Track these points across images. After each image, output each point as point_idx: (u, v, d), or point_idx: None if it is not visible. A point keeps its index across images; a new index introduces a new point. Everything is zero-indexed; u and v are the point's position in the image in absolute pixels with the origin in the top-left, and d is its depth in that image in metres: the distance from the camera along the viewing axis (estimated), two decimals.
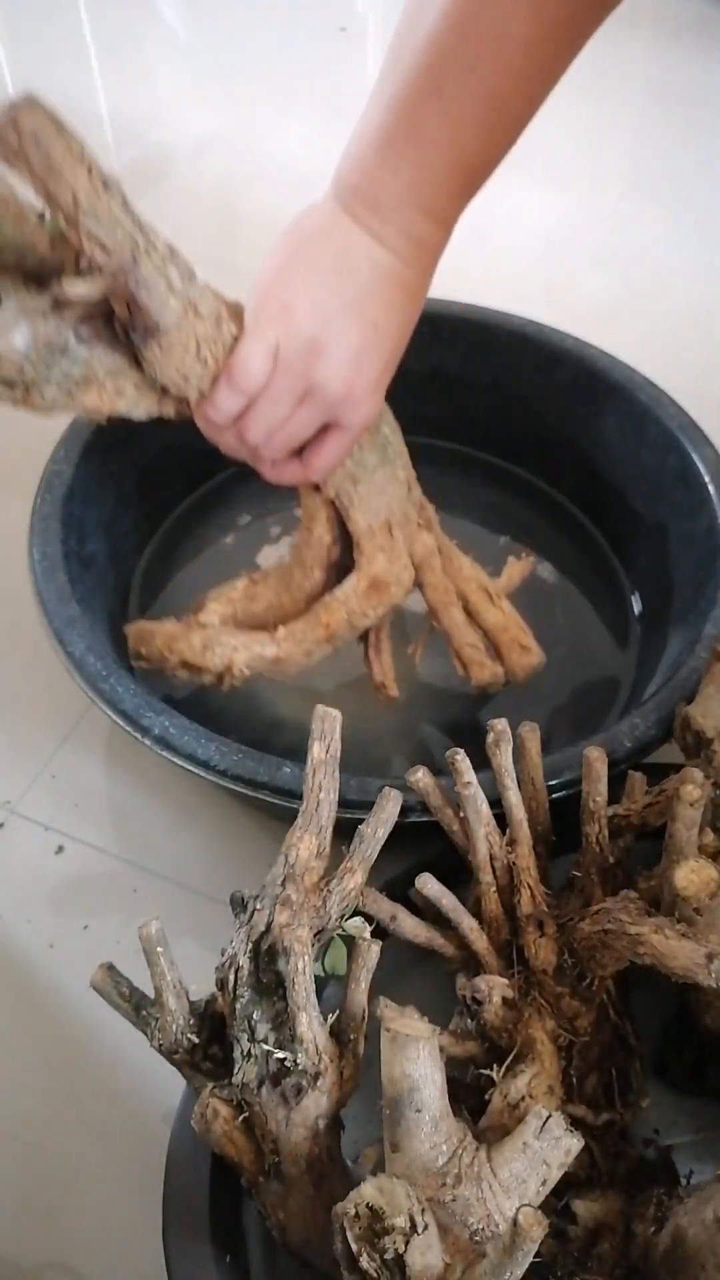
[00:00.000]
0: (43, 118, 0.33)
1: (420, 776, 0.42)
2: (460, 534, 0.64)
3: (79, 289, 0.36)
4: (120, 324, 0.39)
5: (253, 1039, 0.33)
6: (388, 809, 0.38)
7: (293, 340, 0.41)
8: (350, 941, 0.36)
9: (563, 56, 0.39)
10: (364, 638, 0.52)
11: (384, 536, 0.48)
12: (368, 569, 0.48)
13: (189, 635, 0.48)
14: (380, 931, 0.38)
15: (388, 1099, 0.30)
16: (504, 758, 0.41)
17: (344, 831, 0.38)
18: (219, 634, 0.48)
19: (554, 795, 0.43)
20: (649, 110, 1.12)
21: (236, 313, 0.42)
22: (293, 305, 0.41)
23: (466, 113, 0.39)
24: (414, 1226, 0.27)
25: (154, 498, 0.64)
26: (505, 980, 0.38)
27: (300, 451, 0.46)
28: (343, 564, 0.50)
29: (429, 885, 0.39)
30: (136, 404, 0.41)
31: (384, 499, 0.48)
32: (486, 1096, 0.35)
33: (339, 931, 0.37)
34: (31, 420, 0.61)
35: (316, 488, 0.48)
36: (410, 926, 0.40)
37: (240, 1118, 0.33)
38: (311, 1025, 0.32)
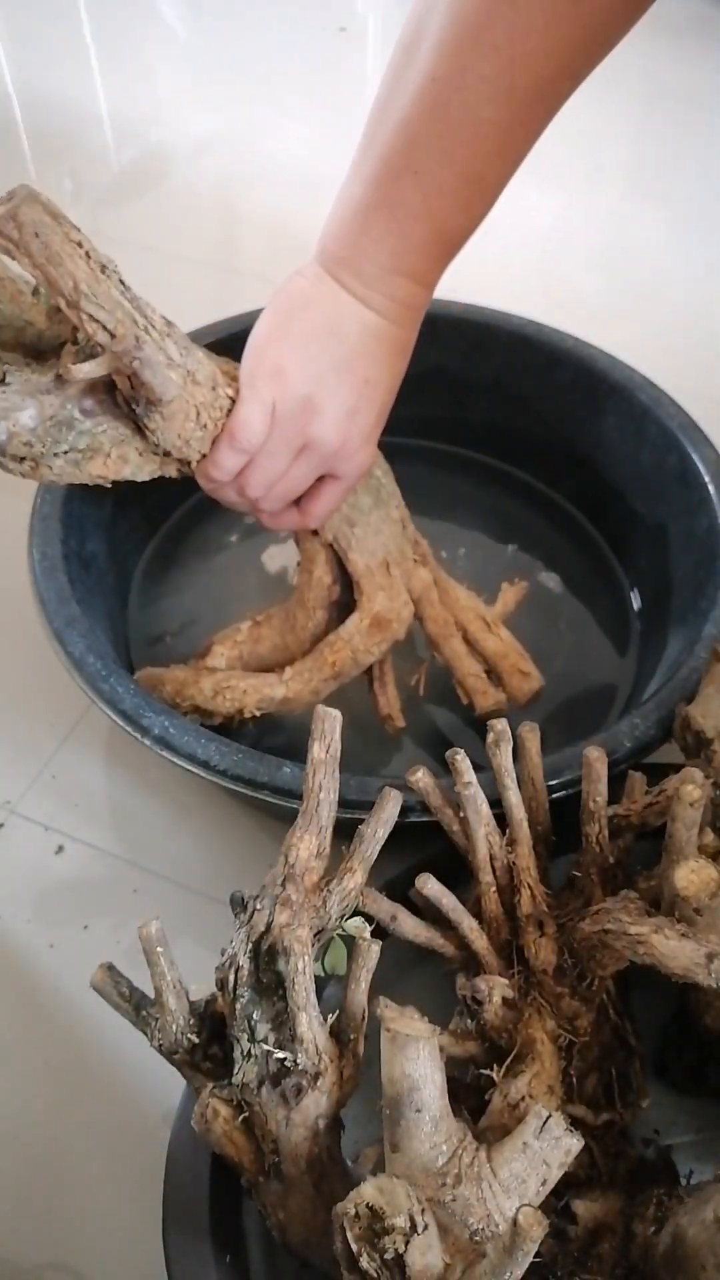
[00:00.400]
0: (40, 210, 0.34)
1: (420, 776, 0.42)
2: (465, 542, 0.65)
3: (85, 370, 0.38)
4: (123, 395, 0.40)
5: (253, 1039, 0.33)
6: (388, 809, 0.38)
7: (288, 400, 0.42)
8: (350, 941, 0.36)
9: (535, 129, 0.40)
10: (368, 672, 0.53)
11: (383, 575, 0.50)
12: (369, 607, 0.50)
13: (199, 681, 0.49)
14: (380, 931, 0.39)
15: (388, 1099, 0.30)
16: (504, 758, 0.41)
17: (344, 831, 0.38)
18: (228, 678, 0.49)
19: (554, 795, 0.43)
20: (648, 110, 1.12)
21: (231, 375, 0.43)
22: (285, 368, 0.42)
23: (444, 189, 0.40)
24: (414, 1226, 0.27)
25: (154, 497, 0.64)
26: (505, 980, 0.38)
27: (299, 501, 0.47)
28: (343, 602, 0.52)
29: (429, 885, 0.39)
30: (140, 469, 0.43)
31: (380, 539, 0.50)
32: (486, 1096, 0.35)
33: (339, 931, 0.37)
34: None
35: (315, 533, 0.50)
36: (410, 926, 0.40)
37: (240, 1118, 0.33)
38: (311, 1025, 0.32)
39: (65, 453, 0.40)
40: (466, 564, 0.64)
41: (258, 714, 0.49)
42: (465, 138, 0.39)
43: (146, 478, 0.44)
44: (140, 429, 0.41)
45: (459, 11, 0.37)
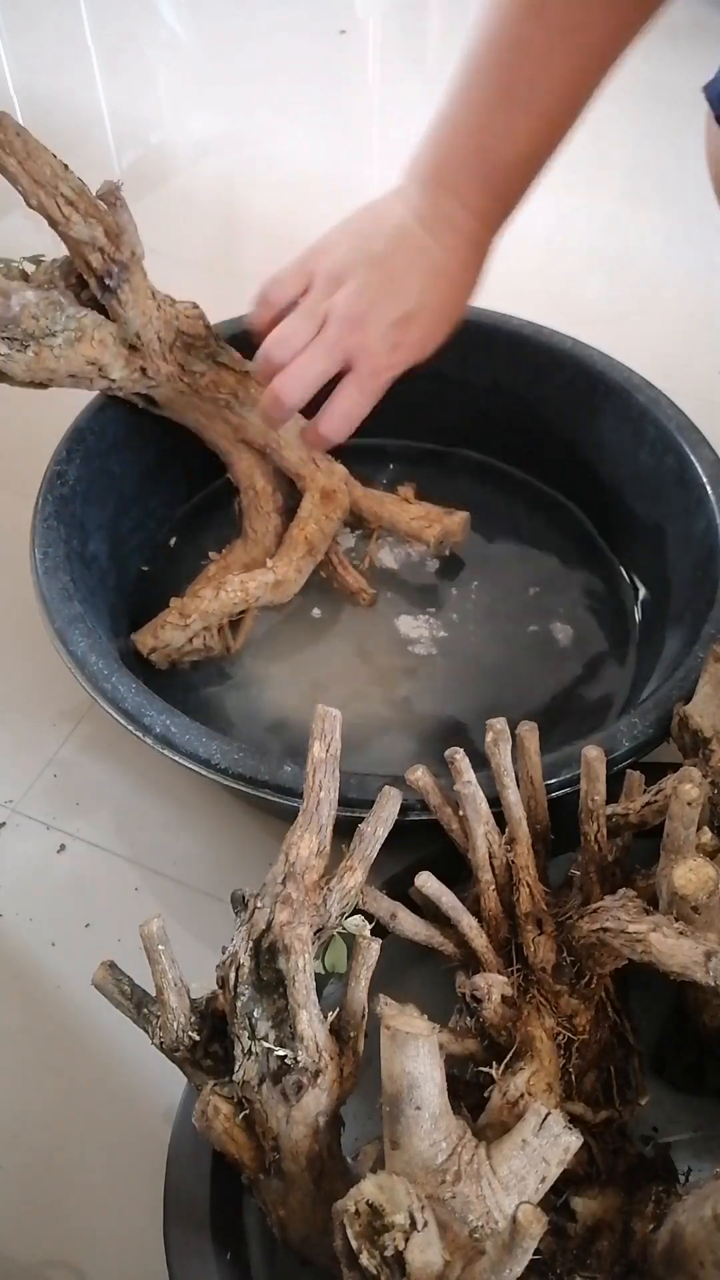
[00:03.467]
0: (11, 120, 0.44)
1: (420, 775, 0.42)
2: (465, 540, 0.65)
3: (80, 231, 0.46)
4: (95, 279, 0.48)
5: (253, 1036, 0.33)
6: (387, 808, 0.39)
7: (322, 273, 0.49)
8: (350, 939, 0.36)
9: (592, 85, 0.47)
10: (327, 562, 0.60)
11: (315, 463, 0.58)
12: (315, 485, 0.58)
13: (197, 594, 0.55)
14: (380, 929, 0.39)
15: (387, 1096, 0.30)
16: (503, 757, 0.41)
17: (344, 830, 0.38)
18: (222, 579, 0.55)
19: (552, 794, 0.43)
20: (647, 112, 1.12)
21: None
22: (329, 249, 0.49)
23: (497, 114, 0.46)
24: (414, 1224, 0.27)
25: (156, 499, 0.64)
26: (504, 978, 0.38)
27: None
28: (288, 506, 0.59)
29: (428, 883, 0.40)
30: (115, 359, 0.50)
31: (299, 439, 0.57)
32: (486, 1094, 0.35)
33: (339, 929, 0.37)
34: (34, 421, 0.61)
35: (246, 444, 0.57)
36: (410, 924, 0.40)
37: (241, 1115, 0.33)
38: (312, 1023, 0.32)
39: (61, 332, 0.48)
40: (466, 563, 0.64)
41: (260, 598, 0.55)
42: (531, 76, 0.45)
43: (120, 373, 0.51)
44: (110, 317, 0.49)
45: None
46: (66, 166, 0.46)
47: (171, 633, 0.54)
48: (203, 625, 0.54)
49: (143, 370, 0.51)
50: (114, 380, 0.51)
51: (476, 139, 0.47)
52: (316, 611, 0.61)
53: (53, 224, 0.46)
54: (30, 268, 0.49)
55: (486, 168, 0.48)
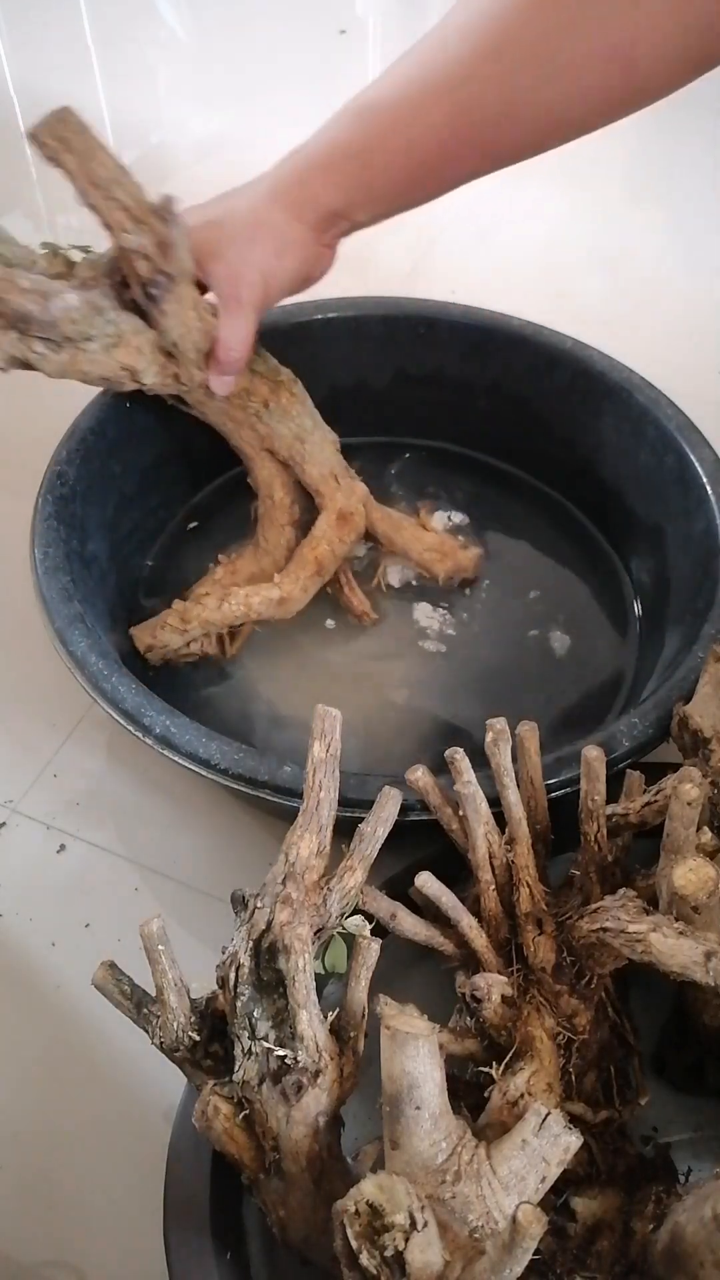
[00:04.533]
0: (75, 117, 0.44)
1: (419, 776, 0.42)
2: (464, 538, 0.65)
3: (131, 240, 0.45)
4: (138, 285, 0.47)
5: (253, 1036, 0.33)
6: (388, 808, 0.39)
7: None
8: (350, 939, 0.36)
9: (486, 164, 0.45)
10: (335, 581, 0.59)
11: (335, 481, 0.57)
12: (333, 506, 0.57)
13: (200, 600, 0.55)
14: (380, 929, 0.39)
15: (387, 1096, 0.30)
16: (503, 757, 0.41)
17: (343, 830, 0.38)
18: (227, 590, 0.55)
19: (552, 794, 0.43)
20: (647, 112, 1.12)
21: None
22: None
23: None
24: (413, 1224, 0.27)
25: (156, 498, 0.64)
26: (504, 978, 0.38)
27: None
28: (304, 520, 0.58)
29: (428, 883, 0.40)
30: (149, 365, 0.49)
31: (324, 454, 0.57)
32: (486, 1094, 0.35)
33: (339, 929, 0.37)
34: (34, 420, 0.61)
35: (271, 453, 0.56)
36: (410, 924, 0.40)
37: (241, 1115, 0.33)
38: (312, 1023, 0.32)
39: (99, 337, 0.47)
40: None
41: (262, 613, 0.55)
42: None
43: (154, 378, 0.50)
44: (149, 324, 0.48)
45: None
46: (126, 170, 0.45)
47: (170, 635, 0.54)
48: (201, 633, 0.54)
49: (176, 376, 0.51)
50: (146, 385, 0.51)
51: (359, 156, 0.46)
52: (330, 623, 0.61)
53: (105, 227, 0.46)
54: (77, 256, 0.48)
55: (362, 183, 0.47)
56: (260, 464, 0.57)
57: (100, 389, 0.57)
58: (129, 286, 0.48)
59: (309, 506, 0.58)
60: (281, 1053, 0.32)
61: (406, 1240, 0.27)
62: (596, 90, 0.41)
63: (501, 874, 0.41)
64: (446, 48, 0.43)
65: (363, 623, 0.60)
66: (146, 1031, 0.35)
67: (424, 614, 0.61)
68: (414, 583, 0.62)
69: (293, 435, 0.55)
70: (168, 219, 0.46)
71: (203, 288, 0.51)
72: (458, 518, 0.66)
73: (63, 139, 0.43)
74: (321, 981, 0.36)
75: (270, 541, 0.58)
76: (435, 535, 0.61)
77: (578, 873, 0.41)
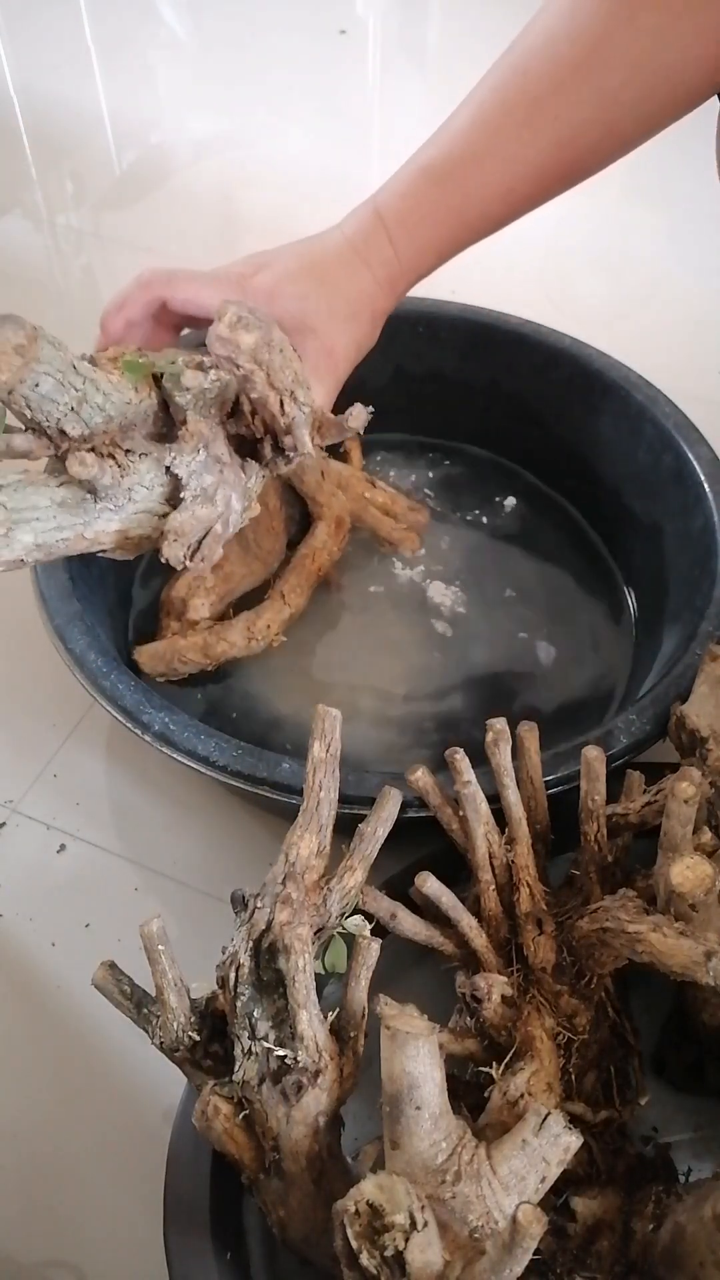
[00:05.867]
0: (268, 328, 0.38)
1: (419, 776, 0.42)
2: (460, 536, 0.65)
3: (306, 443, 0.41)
4: (266, 440, 0.41)
5: (253, 1036, 0.33)
6: (387, 808, 0.39)
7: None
8: (350, 939, 0.36)
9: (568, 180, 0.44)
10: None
11: (326, 484, 0.58)
12: (330, 514, 0.58)
13: (224, 639, 0.54)
14: (380, 929, 0.39)
15: (387, 1096, 0.30)
16: (502, 757, 0.41)
17: (342, 828, 0.38)
18: (253, 625, 0.54)
19: (551, 791, 0.43)
20: None
21: None
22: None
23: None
24: (414, 1224, 0.27)
25: None
26: (504, 978, 0.38)
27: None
28: (292, 523, 0.59)
29: (428, 883, 0.40)
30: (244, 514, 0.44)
31: (315, 462, 0.57)
32: (486, 1094, 0.35)
33: (339, 929, 0.37)
34: None
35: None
36: (410, 924, 0.40)
37: (241, 1115, 0.33)
38: (312, 1023, 0.32)
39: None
40: (463, 560, 0.64)
41: (282, 638, 0.55)
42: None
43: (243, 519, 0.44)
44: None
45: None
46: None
47: (188, 668, 0.53)
48: (221, 662, 0.54)
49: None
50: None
51: (458, 213, 0.43)
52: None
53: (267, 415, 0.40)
54: (191, 383, 0.38)
55: (457, 240, 0.44)
56: None
57: None
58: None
59: (300, 511, 0.59)
60: (281, 1053, 0.32)
61: (406, 1240, 0.27)
62: (697, 92, 0.39)
63: (501, 874, 0.41)
64: (527, 74, 0.40)
65: (406, 546, 0.62)
66: (146, 1031, 0.35)
67: (438, 592, 0.62)
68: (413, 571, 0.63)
69: None
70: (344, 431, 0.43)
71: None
72: (456, 517, 0.66)
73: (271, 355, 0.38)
74: (321, 981, 0.36)
75: (263, 547, 0.58)
76: (383, 493, 0.61)
77: (578, 873, 0.41)
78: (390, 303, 0.46)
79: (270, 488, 0.57)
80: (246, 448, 0.42)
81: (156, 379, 0.38)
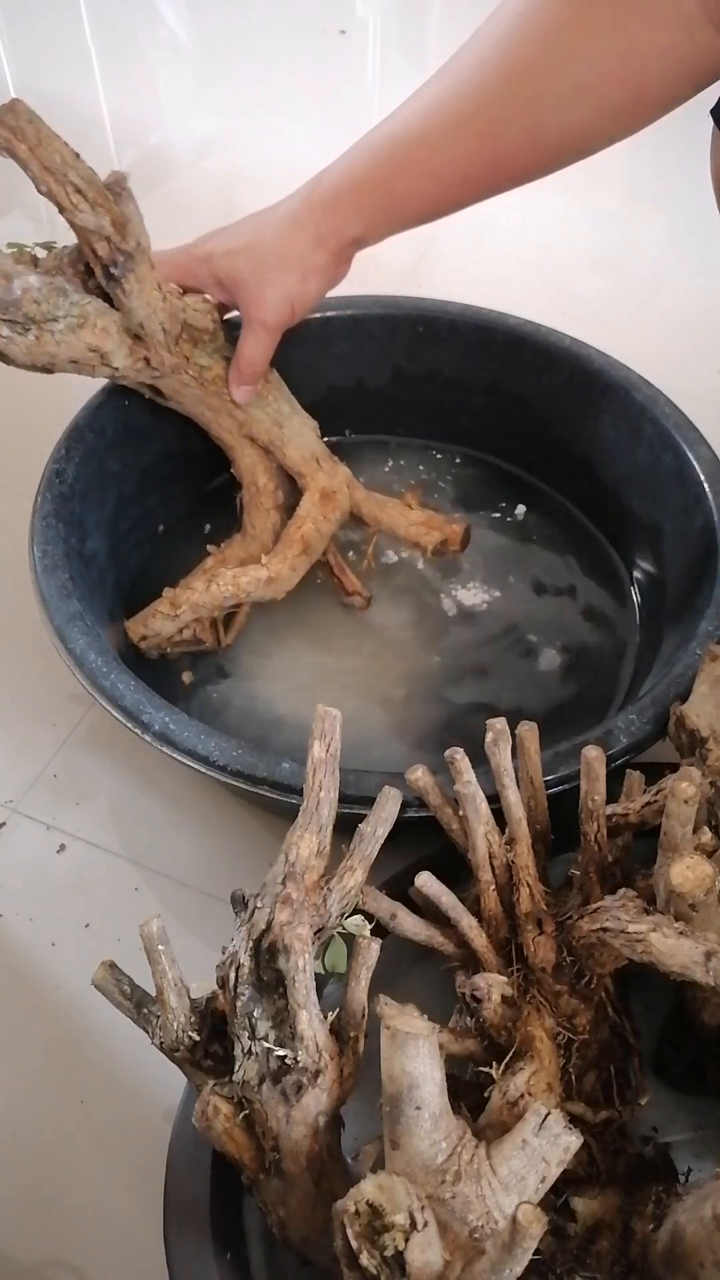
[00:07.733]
0: (26, 108, 0.45)
1: (419, 776, 0.42)
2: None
3: (87, 219, 0.46)
4: (100, 268, 0.48)
5: (253, 1036, 0.33)
6: (388, 808, 0.39)
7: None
8: (350, 939, 0.36)
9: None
10: (326, 565, 0.61)
11: (316, 463, 0.58)
12: (315, 485, 0.58)
13: (189, 585, 0.55)
14: (380, 929, 0.39)
15: (387, 1096, 0.30)
16: (503, 757, 0.41)
17: (342, 828, 0.38)
18: (215, 573, 0.55)
19: (551, 791, 0.43)
20: None
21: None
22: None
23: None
24: (414, 1224, 0.27)
25: (155, 497, 0.64)
26: (504, 978, 0.38)
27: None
28: (288, 504, 0.59)
29: (428, 883, 0.40)
30: (118, 348, 0.50)
31: (303, 438, 0.58)
32: (486, 1094, 0.35)
33: (339, 929, 0.37)
34: (33, 419, 0.61)
35: (251, 440, 0.57)
36: (410, 924, 0.40)
37: (241, 1115, 0.33)
38: (312, 1023, 0.32)
39: (63, 318, 0.48)
40: (464, 561, 0.64)
41: (252, 594, 0.55)
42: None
43: (122, 361, 0.50)
44: (115, 306, 0.49)
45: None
46: (78, 155, 0.46)
47: (161, 622, 0.54)
48: (193, 617, 0.55)
49: (146, 360, 0.51)
50: (117, 369, 0.51)
51: (384, 185, 0.48)
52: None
53: (61, 210, 0.47)
54: (41, 253, 0.49)
55: (386, 210, 0.49)
56: (241, 451, 0.58)
57: (100, 387, 0.57)
58: (93, 273, 0.49)
59: (293, 490, 0.59)
60: (281, 1053, 0.32)
61: (406, 1240, 0.27)
62: (611, 110, 0.43)
63: (501, 874, 0.41)
64: (466, 78, 0.44)
65: (354, 603, 0.61)
66: (146, 1031, 0.35)
67: (438, 592, 0.62)
68: (404, 555, 0.64)
69: (271, 420, 0.56)
70: (120, 195, 0.47)
71: (223, 308, 0.53)
72: (455, 516, 0.66)
73: (14, 129, 0.44)
74: (321, 981, 0.36)
75: (257, 527, 0.59)
76: (420, 511, 0.61)
77: (578, 873, 0.41)
78: (325, 260, 0.50)
79: (259, 464, 0.58)
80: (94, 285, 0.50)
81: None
